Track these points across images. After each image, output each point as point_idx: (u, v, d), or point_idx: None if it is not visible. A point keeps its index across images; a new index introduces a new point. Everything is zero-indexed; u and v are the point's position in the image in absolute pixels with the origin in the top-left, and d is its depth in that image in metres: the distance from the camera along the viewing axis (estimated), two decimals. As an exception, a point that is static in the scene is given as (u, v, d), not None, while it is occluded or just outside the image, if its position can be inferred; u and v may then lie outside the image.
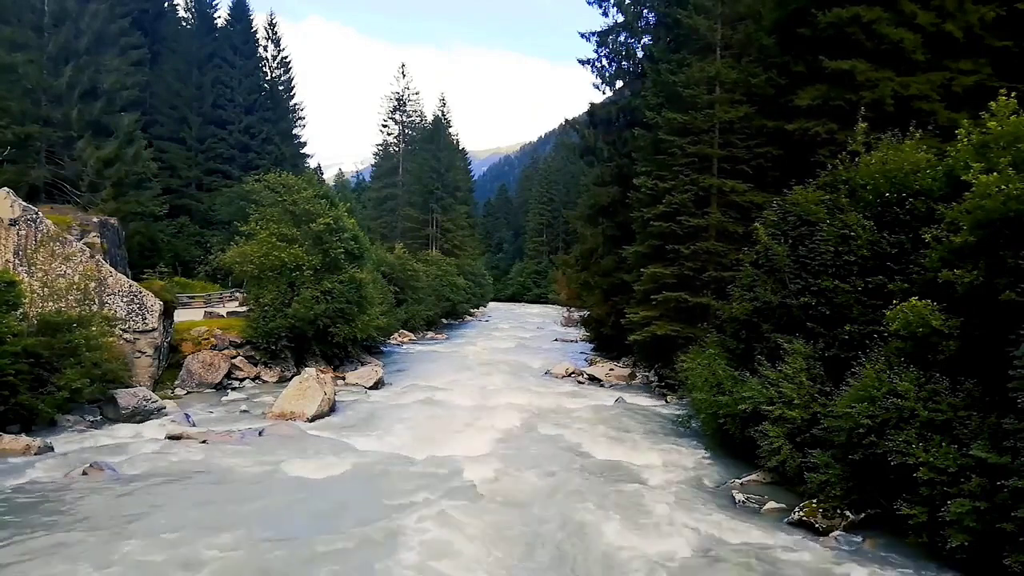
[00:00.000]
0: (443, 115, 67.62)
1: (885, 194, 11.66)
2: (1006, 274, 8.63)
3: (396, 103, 68.09)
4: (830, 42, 16.81)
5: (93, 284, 17.83)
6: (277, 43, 51.33)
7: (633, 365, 25.97)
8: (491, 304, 78.46)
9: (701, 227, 20.01)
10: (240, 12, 48.85)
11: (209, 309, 27.79)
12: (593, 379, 24.51)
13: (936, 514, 8.26)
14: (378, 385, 22.08)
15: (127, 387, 16.42)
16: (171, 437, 13.86)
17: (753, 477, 12.10)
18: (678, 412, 17.65)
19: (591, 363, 27.85)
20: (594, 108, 30.59)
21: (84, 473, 11.24)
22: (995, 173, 8.86)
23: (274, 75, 51.20)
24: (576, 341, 38.72)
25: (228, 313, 26.36)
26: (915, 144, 12.17)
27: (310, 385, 17.19)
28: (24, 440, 12.56)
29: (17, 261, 17.05)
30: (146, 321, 18.62)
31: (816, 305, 11.94)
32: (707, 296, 18.54)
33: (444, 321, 51.34)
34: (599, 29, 28.98)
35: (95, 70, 29.64)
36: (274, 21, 51.53)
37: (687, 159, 20.42)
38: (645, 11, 28.34)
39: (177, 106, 44.17)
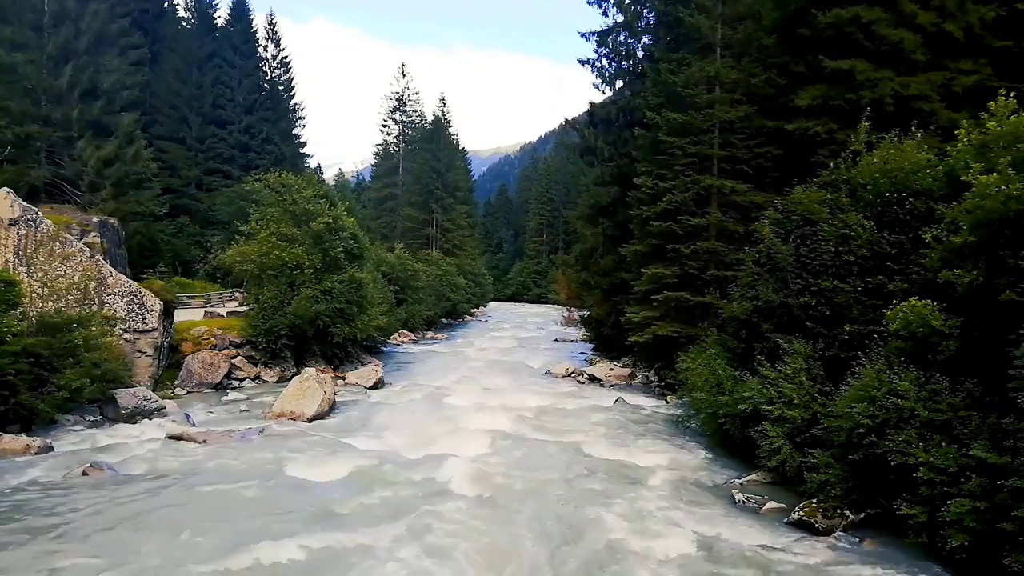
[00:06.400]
0: (443, 115, 67.65)
1: (885, 194, 11.66)
2: (1006, 274, 8.63)
3: (396, 103, 68.19)
4: (830, 42, 16.81)
5: (93, 284, 17.84)
6: (277, 43, 51.39)
7: (633, 365, 25.96)
8: (491, 304, 78.47)
9: (701, 227, 20.00)
10: (240, 12, 48.90)
11: (209, 309, 27.80)
12: (593, 379, 24.50)
13: (936, 514, 8.25)
14: (378, 385, 22.07)
15: (127, 387, 16.41)
16: (171, 437, 13.86)
17: (753, 477, 12.10)
18: (678, 412, 17.64)
19: (591, 363, 27.85)
20: (594, 108, 30.57)
21: (84, 473, 11.25)
22: (995, 173, 8.85)
23: (274, 75, 51.26)
24: (576, 341, 38.71)
25: (228, 313, 26.37)
26: (915, 144, 12.17)
27: (310, 385, 17.19)
28: (24, 440, 12.55)
29: (17, 261, 17.05)
30: (146, 321, 18.62)
31: (816, 305, 11.93)
32: (708, 295, 18.52)
33: (444, 321, 51.34)
34: (599, 29, 29.03)
35: (95, 70, 29.69)
36: (274, 21, 51.65)
37: (687, 159, 20.41)
38: (645, 11, 28.34)
39: (177, 106, 44.21)
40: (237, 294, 33.36)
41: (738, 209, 19.92)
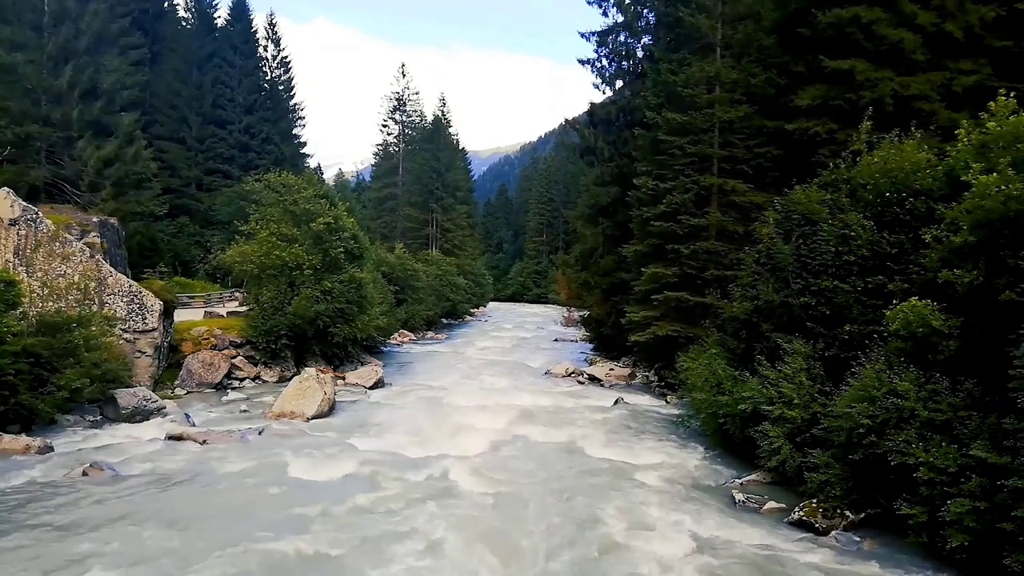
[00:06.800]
0: (443, 115, 67.63)
1: (885, 194, 11.65)
2: (1006, 274, 8.63)
3: (396, 103, 68.13)
4: (830, 42, 16.81)
5: (93, 284, 17.84)
6: (277, 43, 51.39)
7: (633, 365, 25.96)
8: (491, 304, 78.47)
9: (701, 227, 20.00)
10: (240, 12, 48.90)
11: (209, 309, 27.80)
12: (593, 379, 24.50)
13: (936, 514, 8.25)
14: (378, 385, 22.08)
15: (127, 387, 16.42)
16: (171, 437, 13.86)
17: (753, 477, 12.10)
18: (678, 412, 17.64)
19: (591, 363, 27.85)
20: (594, 108, 30.58)
21: (84, 473, 11.24)
22: (995, 173, 8.85)
23: (274, 75, 51.27)
24: (576, 341, 38.71)
25: (228, 313, 26.37)
26: (915, 144, 12.17)
27: (310, 385, 17.19)
28: (24, 440, 12.56)
29: (17, 261, 17.05)
30: (146, 321, 18.62)
31: (816, 305, 11.93)
32: (709, 295, 18.54)
33: (444, 321, 51.34)
34: (599, 29, 29.05)
35: (95, 70, 29.69)
36: (274, 21, 51.64)
37: (687, 159, 20.41)
38: (645, 11, 28.35)
39: (177, 106, 44.20)
40: (237, 294, 33.36)
41: (738, 209, 19.92)
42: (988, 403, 8.51)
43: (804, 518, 9.89)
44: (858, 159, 12.98)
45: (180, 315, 22.99)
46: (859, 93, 16.02)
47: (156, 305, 18.83)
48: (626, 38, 29.10)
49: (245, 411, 17.44)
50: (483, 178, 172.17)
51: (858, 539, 9.42)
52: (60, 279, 17.09)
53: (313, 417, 16.42)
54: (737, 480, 12.16)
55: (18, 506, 9.74)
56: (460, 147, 77.89)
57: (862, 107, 15.13)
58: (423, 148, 64.22)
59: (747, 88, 19.83)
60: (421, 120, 69.10)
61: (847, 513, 9.81)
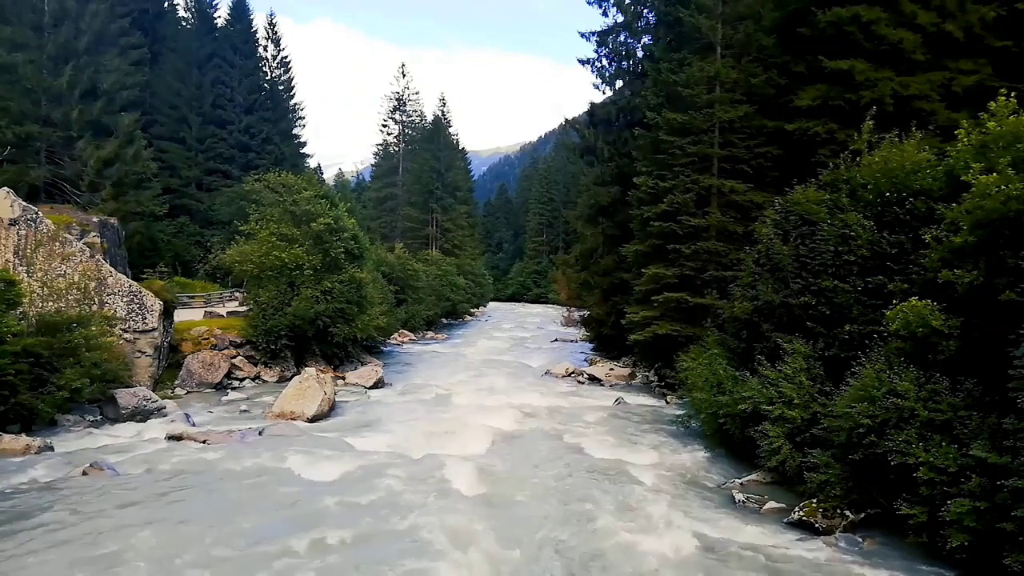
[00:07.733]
0: (443, 115, 67.70)
1: (885, 194, 11.66)
2: (1006, 274, 8.63)
3: (396, 103, 68.15)
4: (830, 42, 16.83)
5: (93, 284, 17.86)
6: (277, 43, 51.42)
7: (633, 365, 25.97)
8: (491, 304, 78.47)
9: (701, 227, 20.00)
10: (240, 12, 48.92)
11: (209, 309, 27.82)
12: (593, 379, 24.50)
13: (936, 514, 8.26)
14: (378, 385, 22.08)
15: (127, 387, 16.42)
16: (171, 437, 13.87)
17: (753, 477, 12.10)
18: (678, 412, 17.63)
19: (591, 363, 27.85)
20: (594, 108, 30.60)
21: (84, 473, 11.24)
22: (995, 173, 8.86)
23: (274, 75, 51.29)
24: (576, 341, 38.72)
25: (228, 313, 26.38)
26: (915, 144, 12.17)
27: (310, 385, 17.18)
28: (24, 440, 12.55)
29: (17, 261, 17.06)
30: (146, 321, 18.62)
31: (816, 305, 11.94)
32: (709, 295, 18.54)
33: (444, 321, 51.35)
34: (599, 29, 29.08)
35: (95, 70, 29.75)
36: (274, 21, 51.67)
37: (687, 159, 20.41)
38: (645, 11, 28.37)
39: (177, 106, 44.22)
40: (237, 294, 33.37)
41: (738, 209, 19.92)
42: (988, 403, 8.52)
43: (804, 518, 9.89)
44: (858, 159, 12.98)
45: (180, 315, 22.99)
46: (859, 93, 16.04)
47: (156, 305, 18.83)
48: (626, 38, 29.14)
49: (245, 411, 17.44)
50: (483, 178, 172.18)
51: (858, 539, 9.42)
52: (60, 279, 17.10)
53: (313, 417, 16.41)
54: (737, 480, 12.16)
55: (18, 506, 9.74)
56: (460, 147, 77.88)
57: (862, 107, 15.14)
58: (423, 148, 64.26)
59: (747, 88, 19.84)
60: (421, 120, 69.16)
61: (847, 513, 9.81)
